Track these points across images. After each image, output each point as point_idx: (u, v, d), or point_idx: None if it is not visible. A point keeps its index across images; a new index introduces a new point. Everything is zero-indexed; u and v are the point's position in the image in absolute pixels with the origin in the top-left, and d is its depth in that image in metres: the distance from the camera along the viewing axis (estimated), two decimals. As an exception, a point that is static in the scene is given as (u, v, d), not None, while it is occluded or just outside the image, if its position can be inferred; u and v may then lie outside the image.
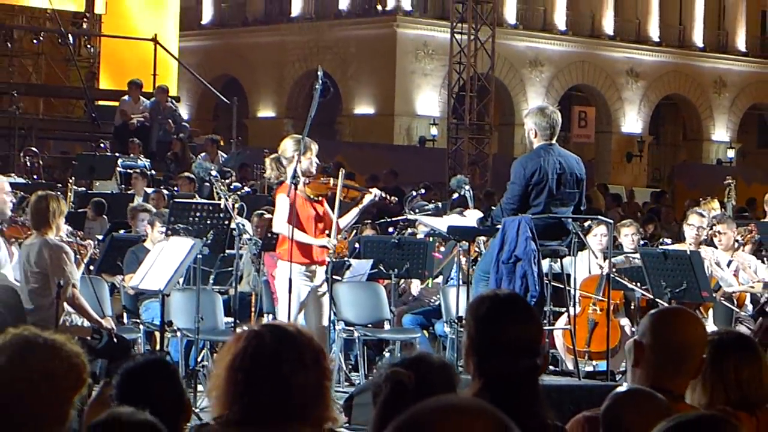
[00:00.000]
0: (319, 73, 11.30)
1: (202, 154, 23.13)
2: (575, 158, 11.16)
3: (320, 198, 11.26)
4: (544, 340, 4.86)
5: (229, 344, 4.34)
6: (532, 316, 4.62)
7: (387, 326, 13.84)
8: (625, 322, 12.88)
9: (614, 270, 12.29)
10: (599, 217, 14.51)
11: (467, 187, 13.86)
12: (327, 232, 11.15)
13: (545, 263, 10.98)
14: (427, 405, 2.19)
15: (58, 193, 12.14)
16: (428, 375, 3.93)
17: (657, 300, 11.91)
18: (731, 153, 55.64)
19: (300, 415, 4.21)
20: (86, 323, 10.48)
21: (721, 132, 56.99)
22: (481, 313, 4.48)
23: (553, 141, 10.90)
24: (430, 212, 16.14)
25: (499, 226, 10.84)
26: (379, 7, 50.32)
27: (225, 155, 23.77)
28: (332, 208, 11.26)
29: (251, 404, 4.17)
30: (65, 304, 10.14)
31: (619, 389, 4.48)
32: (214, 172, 13.39)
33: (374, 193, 11.53)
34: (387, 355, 13.98)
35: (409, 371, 3.88)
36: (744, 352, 4.97)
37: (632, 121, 54.78)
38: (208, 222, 12.23)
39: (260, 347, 4.20)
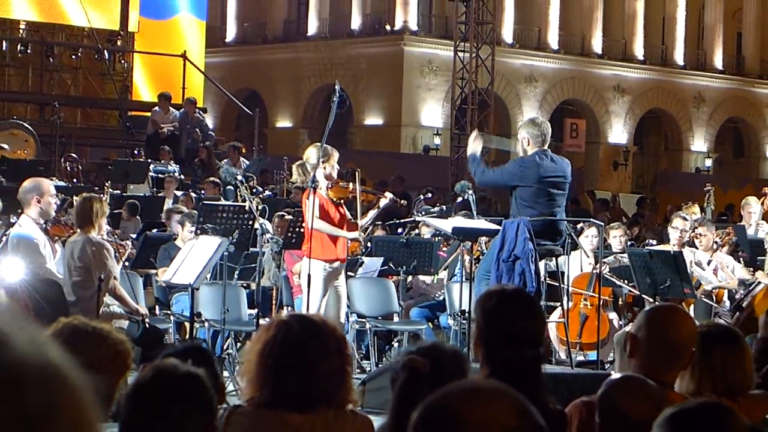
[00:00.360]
0: (336, 87, 11.32)
1: (225, 160, 23.15)
2: (566, 162, 11.23)
3: (341, 201, 11.33)
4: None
5: (260, 332, 4.36)
6: (536, 310, 4.64)
7: (396, 318, 13.86)
8: (613, 316, 12.89)
9: (607, 270, 12.33)
10: (591, 219, 14.52)
11: (470, 192, 13.86)
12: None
13: (541, 262, 11.02)
14: (454, 387, 2.20)
15: (101, 195, 12.17)
16: (442, 362, 3.94)
17: (643, 296, 11.93)
18: (709, 162, 55.61)
19: (324, 397, 4.23)
20: (119, 310, 10.55)
21: (699, 143, 56.98)
22: (489, 307, 4.49)
23: (546, 147, 10.96)
24: (435, 214, 16.20)
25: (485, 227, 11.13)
26: (388, 27, 50.35)
27: (246, 161, 23.77)
28: (350, 210, 11.37)
29: (280, 388, 4.19)
30: (106, 295, 10.20)
31: (614, 376, 4.49)
32: (239, 177, 13.44)
33: (389, 197, 11.61)
34: (396, 344, 14.00)
35: (424, 358, 3.89)
36: (730, 344, 4.96)
37: (618, 132, 54.77)
38: (234, 222, 12.24)
39: (289, 336, 4.22)
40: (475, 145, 11.46)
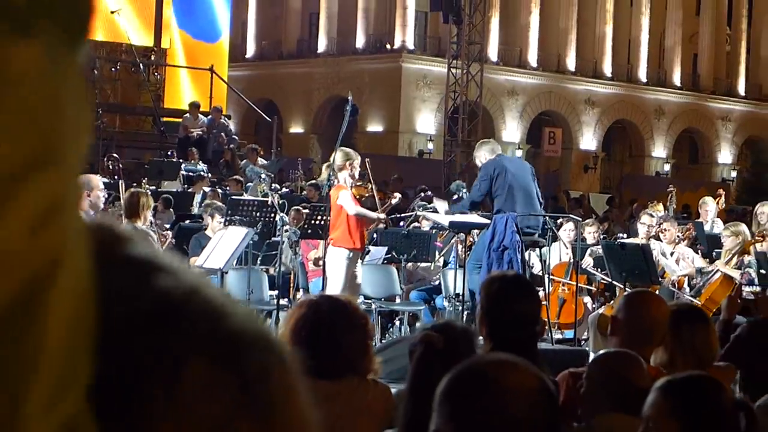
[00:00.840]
0: (349, 98, 11.40)
1: (244, 161, 23.12)
2: (521, 160, 11.70)
3: (362, 197, 11.42)
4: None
5: (293, 311, 4.38)
6: (533, 294, 4.67)
7: (397, 300, 13.87)
8: (587, 300, 12.92)
9: (591, 264, 12.40)
10: (570, 215, 14.58)
11: (464, 190, 13.93)
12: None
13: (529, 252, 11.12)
14: (485, 357, 2.26)
15: (147, 190, 12.19)
16: (453, 337, 3.96)
17: (614, 282, 11.96)
18: (667, 167, 55.65)
19: (350, 367, 4.25)
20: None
21: (659, 150, 57.03)
22: (492, 291, 4.52)
23: (499, 153, 11.42)
24: (432, 210, 16.19)
25: (475, 220, 11.35)
26: (388, 46, 50.38)
27: (263, 161, 23.72)
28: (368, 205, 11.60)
29: (311, 359, 4.22)
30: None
31: (605, 351, 4.51)
32: (263, 175, 13.45)
33: (398, 197, 11.83)
34: (397, 323, 14.02)
35: (438, 334, 3.92)
36: (697, 321, 5.00)
37: (588, 140, 54.80)
38: (258, 215, 12.28)
39: (318, 313, 4.24)
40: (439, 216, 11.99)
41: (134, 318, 0.75)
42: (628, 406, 3.92)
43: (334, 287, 10.77)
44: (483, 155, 11.34)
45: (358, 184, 11.40)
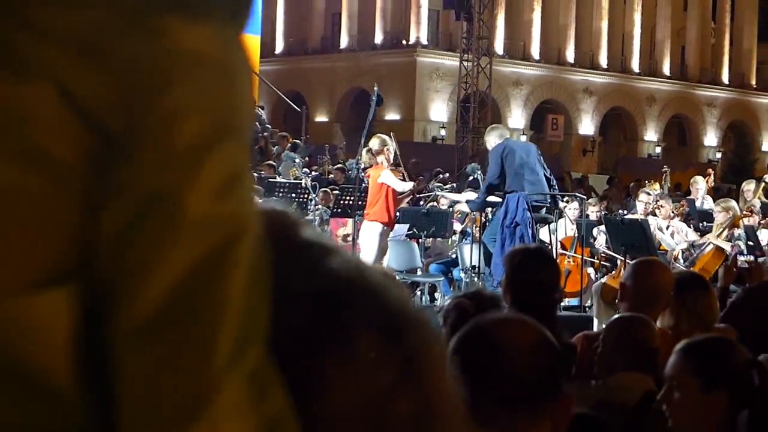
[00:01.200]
0: (375, 89, 11.40)
1: (276, 147, 23.06)
2: (525, 142, 11.65)
3: None
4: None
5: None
6: (553, 263, 4.66)
7: (418, 272, 13.87)
8: (591, 270, 12.89)
9: (603, 243, 12.38)
10: (576, 194, 14.56)
11: (479, 172, 13.88)
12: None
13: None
14: (483, 318, 2.25)
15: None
16: (483, 304, 3.97)
17: (614, 255, 11.94)
18: (659, 149, 55.39)
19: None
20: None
21: (651, 134, 56.79)
22: (516, 261, 4.52)
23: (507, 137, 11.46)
24: (448, 190, 16.20)
25: (489, 198, 11.33)
26: (404, 42, 50.26)
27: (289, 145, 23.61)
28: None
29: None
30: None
31: (618, 315, 4.51)
32: (297, 160, 13.45)
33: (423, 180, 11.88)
34: (418, 293, 14.02)
35: (470, 301, 3.94)
36: (700, 287, 4.98)
37: (587, 125, 54.60)
38: (292, 196, 12.29)
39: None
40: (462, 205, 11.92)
41: (312, 294, 0.76)
42: (641, 365, 3.94)
43: (367, 258, 10.80)
44: (492, 140, 11.36)
45: (396, 169, 11.45)
